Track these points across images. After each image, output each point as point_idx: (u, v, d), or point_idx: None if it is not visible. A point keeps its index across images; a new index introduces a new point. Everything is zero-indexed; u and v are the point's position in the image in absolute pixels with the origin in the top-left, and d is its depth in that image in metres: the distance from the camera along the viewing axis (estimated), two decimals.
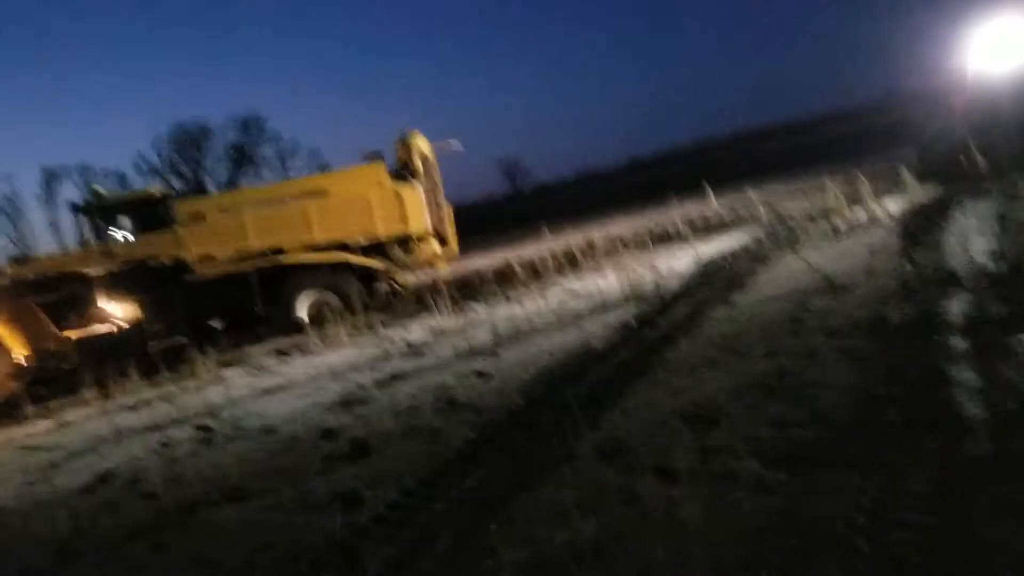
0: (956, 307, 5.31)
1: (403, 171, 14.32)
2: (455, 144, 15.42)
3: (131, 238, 14.03)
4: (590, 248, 13.96)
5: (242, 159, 49.13)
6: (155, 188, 15.80)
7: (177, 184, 45.77)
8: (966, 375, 4.02)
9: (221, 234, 13.67)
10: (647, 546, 3.17)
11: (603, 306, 8.76)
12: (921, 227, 8.67)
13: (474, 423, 5.41)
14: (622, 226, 15.89)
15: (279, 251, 13.68)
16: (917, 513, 2.96)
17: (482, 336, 8.62)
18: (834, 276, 7.11)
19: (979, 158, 11.54)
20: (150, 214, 14.10)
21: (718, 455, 3.83)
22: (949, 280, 6.12)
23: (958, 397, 3.80)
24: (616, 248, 13.94)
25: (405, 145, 14.45)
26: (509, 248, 16.19)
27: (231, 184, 46.60)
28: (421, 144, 14.48)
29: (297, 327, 13.16)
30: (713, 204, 15.56)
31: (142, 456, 6.75)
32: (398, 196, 13.89)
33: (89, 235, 14.14)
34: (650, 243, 13.62)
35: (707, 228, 13.53)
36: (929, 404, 3.79)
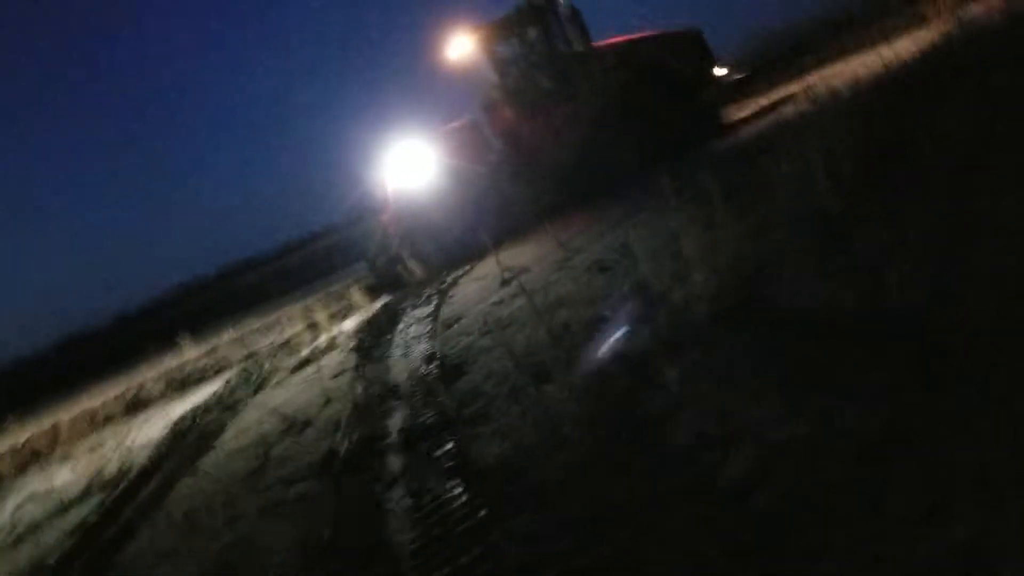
0: (395, 423, 5.68)
1: None
2: None
3: None
4: (55, 433, 12.37)
5: None
6: None
7: None
8: (397, 500, 4.25)
9: None
10: None
11: (63, 506, 7.71)
12: (373, 342, 9.29)
13: None
14: (96, 397, 14.45)
15: None
16: None
17: None
18: (296, 413, 7.19)
19: (415, 265, 12.96)
20: None
21: None
22: (393, 394, 6.58)
23: (391, 525, 3.98)
24: (88, 426, 12.57)
25: None
26: None
27: None
28: None
29: None
30: (190, 353, 15.02)
31: None
32: None
33: None
34: (123, 413, 12.57)
35: (183, 382, 12.94)
36: (365, 542, 3.91)
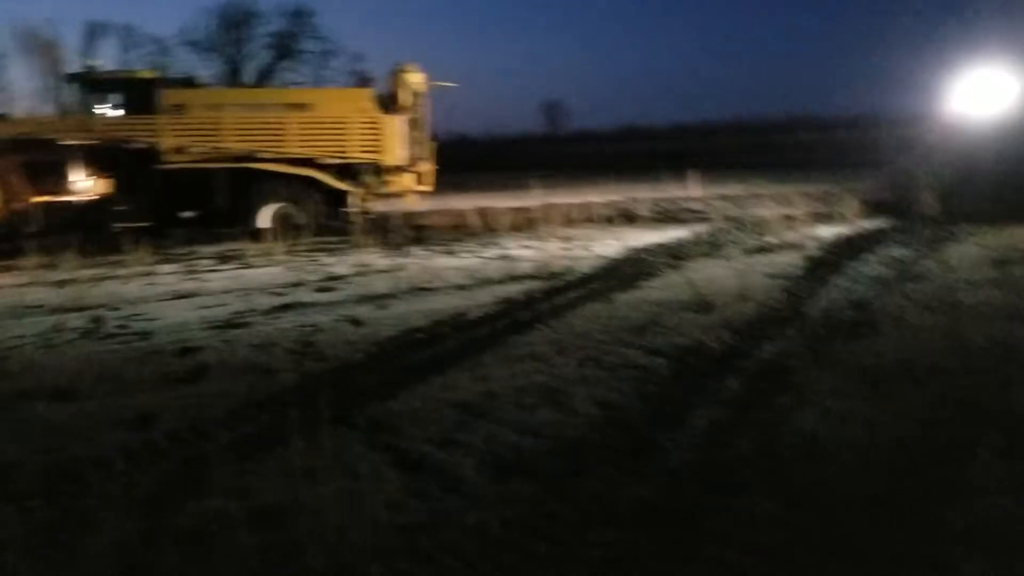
0: (763, 356, 5.55)
1: (390, 101, 14.49)
2: (451, 83, 15.63)
3: (114, 115, 14.35)
4: (546, 214, 14.22)
5: (284, 50, 48.82)
6: (147, 71, 16.03)
7: (214, 64, 45.52)
8: (695, 422, 4.32)
9: (198, 129, 13.96)
10: (327, 517, 3.49)
11: (512, 277, 9.04)
12: (830, 260, 8.83)
13: (304, 371, 5.75)
14: (599, 194, 16.11)
15: (252, 156, 13.99)
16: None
17: (391, 284, 8.95)
18: (711, 295, 7.33)
19: (933, 200, 11.58)
20: (136, 96, 14.35)
21: (450, 451, 4.16)
22: (792, 322, 6.37)
23: (667, 443, 4.08)
24: (574, 217, 14.20)
25: (397, 77, 14.60)
26: (491, 194, 16.56)
27: (267, 74, 46.48)
28: (414, 79, 14.63)
29: (255, 233, 13.55)
30: (690, 191, 15.73)
31: (25, 336, 7.17)
32: (379, 124, 14.12)
33: (75, 105, 14.50)
34: (605, 220, 13.91)
35: (665, 216, 13.72)
36: (639, 442, 4.09)
